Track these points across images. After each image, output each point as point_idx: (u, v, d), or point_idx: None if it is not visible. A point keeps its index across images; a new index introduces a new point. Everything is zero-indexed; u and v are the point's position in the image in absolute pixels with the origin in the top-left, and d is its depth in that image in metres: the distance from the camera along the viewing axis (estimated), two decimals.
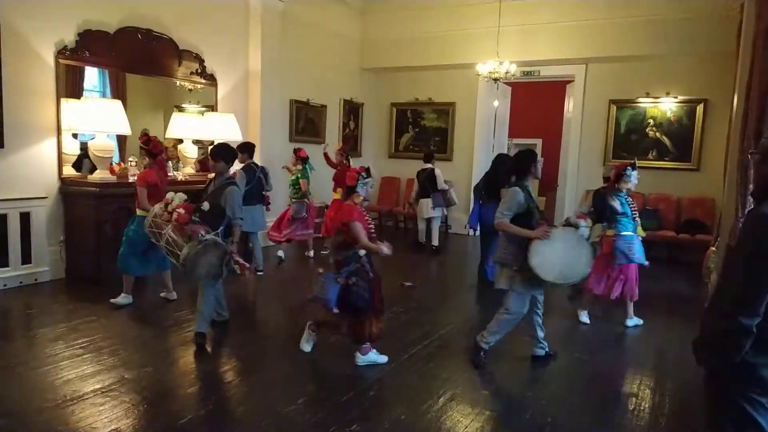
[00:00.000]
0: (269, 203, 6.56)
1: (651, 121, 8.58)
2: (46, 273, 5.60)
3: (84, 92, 6.10)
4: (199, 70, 7.12)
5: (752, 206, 1.90)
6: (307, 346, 4.00)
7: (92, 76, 6.40)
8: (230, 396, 3.35)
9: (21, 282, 5.39)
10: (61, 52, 5.59)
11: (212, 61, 7.28)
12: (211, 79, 7.32)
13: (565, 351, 4.28)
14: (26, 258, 5.45)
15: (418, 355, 4.06)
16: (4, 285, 5.25)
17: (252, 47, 7.83)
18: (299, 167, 7.05)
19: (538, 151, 14.48)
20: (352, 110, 10.15)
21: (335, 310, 3.59)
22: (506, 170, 4.18)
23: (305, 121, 9.01)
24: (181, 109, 7.22)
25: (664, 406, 3.44)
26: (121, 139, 6.44)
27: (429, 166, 8.22)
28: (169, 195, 4.18)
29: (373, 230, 3.73)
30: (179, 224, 3.94)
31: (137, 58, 6.32)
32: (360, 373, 3.70)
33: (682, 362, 4.16)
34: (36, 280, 5.51)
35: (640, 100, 8.58)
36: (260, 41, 7.76)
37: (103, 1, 5.95)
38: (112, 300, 4.88)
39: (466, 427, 3.05)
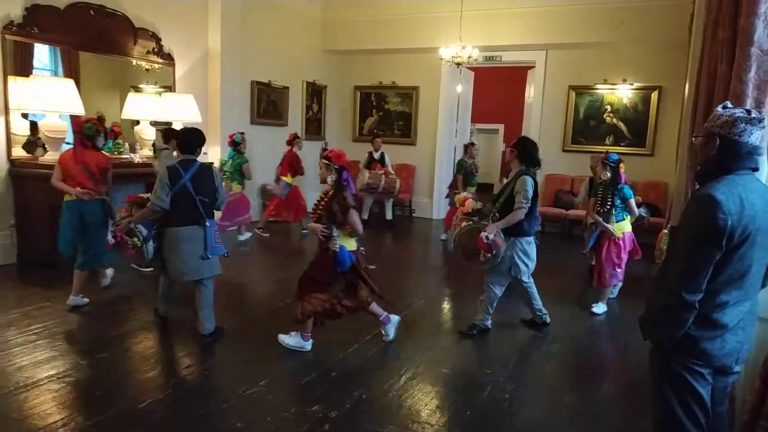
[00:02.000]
0: None
1: (608, 107, 8.79)
2: None
3: (34, 70, 5.85)
4: (156, 49, 6.91)
5: (697, 188, 1.99)
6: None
7: (43, 53, 6.11)
8: (190, 379, 3.33)
9: None
10: (7, 27, 5.34)
11: (170, 39, 7.08)
12: (169, 59, 7.12)
13: (522, 330, 4.40)
14: None
15: (379, 335, 4.10)
16: None
17: (211, 26, 7.64)
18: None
19: (500, 136, 14.70)
20: (316, 93, 10.04)
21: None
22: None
23: (267, 103, 8.87)
24: (138, 90, 7.01)
25: (616, 386, 3.59)
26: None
27: None
28: None
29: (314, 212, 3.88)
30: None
31: (90, 36, 6.09)
32: (322, 355, 3.72)
33: (634, 342, 4.34)
34: None
35: (598, 86, 8.77)
36: (220, 20, 7.58)
37: None
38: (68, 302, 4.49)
39: (427, 405, 3.12)
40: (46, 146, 5.57)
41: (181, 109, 6.89)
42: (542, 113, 9.27)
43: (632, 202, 4.88)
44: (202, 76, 7.66)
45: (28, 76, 5.53)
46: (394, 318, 4.00)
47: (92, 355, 3.55)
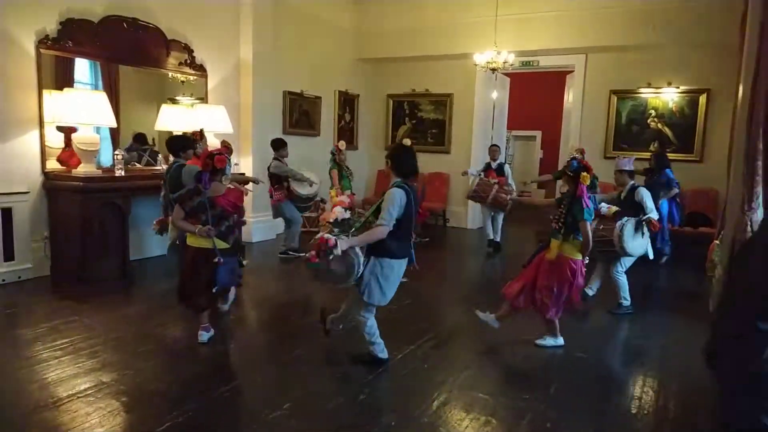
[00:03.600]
0: None
1: (652, 111, 8.39)
2: (30, 270, 5.43)
3: (75, 84, 5.94)
4: (189, 61, 6.92)
5: None
6: None
7: (83, 68, 6.21)
8: (212, 400, 3.19)
9: (3, 280, 5.21)
10: (43, 42, 5.39)
11: (202, 51, 7.08)
12: (201, 70, 7.12)
13: (564, 349, 4.12)
14: (9, 255, 5.27)
15: (411, 356, 3.90)
16: None
17: (243, 37, 7.62)
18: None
19: (537, 143, 14.33)
20: (348, 102, 9.95)
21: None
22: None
23: (299, 113, 8.81)
24: (174, 102, 7.04)
25: (669, 410, 3.28)
26: (114, 133, 6.29)
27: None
28: None
29: None
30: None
31: (123, 48, 6.12)
32: (350, 377, 3.54)
33: (687, 362, 4.01)
34: (19, 277, 5.34)
35: (642, 90, 8.38)
36: (252, 31, 7.55)
37: None
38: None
39: None
40: (80, 158, 5.58)
41: (213, 121, 6.86)
42: (582, 119, 8.93)
43: (584, 224, 3.85)
44: (235, 87, 7.65)
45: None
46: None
47: (115, 372, 3.45)
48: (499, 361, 3.92)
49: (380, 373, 3.61)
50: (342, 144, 7.24)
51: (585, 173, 3.93)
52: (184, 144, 4.81)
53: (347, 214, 3.59)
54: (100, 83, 6.42)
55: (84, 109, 5.34)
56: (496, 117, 10.24)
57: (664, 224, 6.94)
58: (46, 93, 5.46)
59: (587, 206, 3.88)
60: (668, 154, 7.66)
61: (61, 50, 5.57)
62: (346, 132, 9.96)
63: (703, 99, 7.99)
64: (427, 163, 9.51)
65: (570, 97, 9.49)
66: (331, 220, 3.50)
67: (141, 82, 6.81)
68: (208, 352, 3.94)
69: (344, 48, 9.70)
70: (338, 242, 3.21)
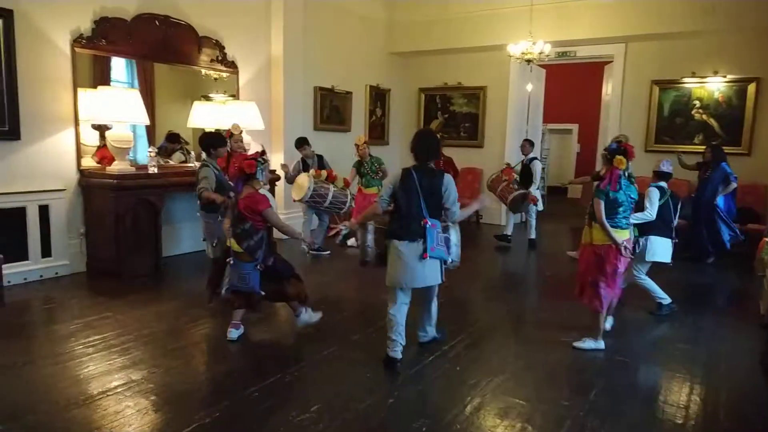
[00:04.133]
0: None
1: (697, 102, 8.02)
2: (67, 266, 5.52)
3: (111, 83, 6.04)
4: (220, 57, 6.92)
5: None
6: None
7: (119, 66, 6.32)
8: (241, 401, 3.14)
9: (41, 276, 5.32)
10: (77, 41, 5.45)
11: (233, 47, 7.07)
12: (233, 67, 7.12)
13: (604, 352, 3.93)
14: (46, 251, 5.38)
15: (443, 357, 3.78)
16: (24, 279, 5.19)
17: (274, 33, 7.59)
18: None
19: (574, 137, 13.94)
20: (379, 96, 9.84)
21: (261, 293, 3.91)
22: None
23: (330, 108, 8.75)
24: (208, 99, 7.07)
25: (719, 421, 3.08)
26: (149, 130, 6.37)
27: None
28: None
29: None
30: None
31: (155, 46, 6.16)
32: (380, 379, 3.45)
33: (737, 368, 3.78)
34: (56, 273, 5.43)
35: (686, 80, 8.02)
36: (282, 26, 7.52)
37: None
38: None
39: None
40: (114, 156, 5.64)
41: (245, 117, 6.85)
42: (621, 111, 8.61)
43: (597, 203, 3.75)
44: (265, 83, 7.63)
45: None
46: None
47: (145, 370, 3.45)
48: (535, 364, 3.76)
49: (411, 375, 3.51)
50: (358, 138, 7.12)
51: (620, 156, 3.78)
52: (213, 141, 4.78)
53: None
54: (136, 81, 6.54)
55: (117, 107, 5.39)
56: (532, 110, 9.97)
57: (725, 219, 6.61)
58: (81, 91, 5.53)
59: (603, 188, 3.78)
60: None
61: (95, 49, 5.63)
62: (377, 127, 9.86)
63: (752, 88, 7.59)
64: (459, 157, 9.37)
65: (609, 88, 9.16)
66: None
67: (176, 80, 6.87)
68: (238, 350, 3.90)
69: (375, 42, 9.59)
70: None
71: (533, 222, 7.70)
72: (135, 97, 5.56)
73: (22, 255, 5.19)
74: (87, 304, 4.76)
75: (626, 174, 3.87)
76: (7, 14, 4.88)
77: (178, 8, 6.35)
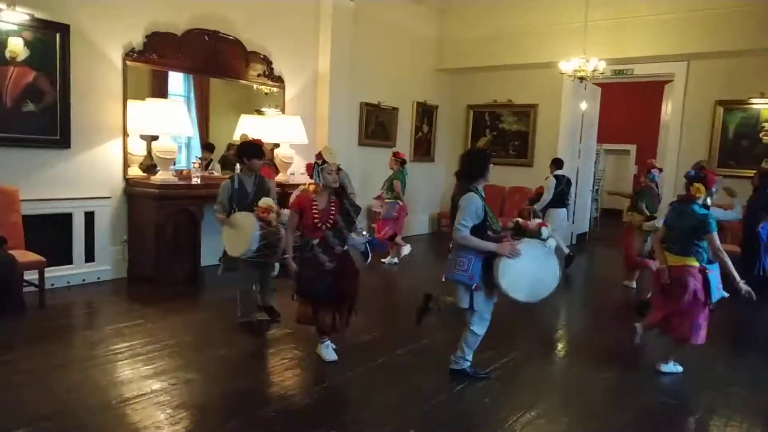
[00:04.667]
0: None
1: (766, 124, 7.48)
2: (108, 272, 5.66)
3: (169, 96, 6.25)
4: (267, 72, 7.01)
5: None
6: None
7: (177, 80, 6.54)
8: (255, 420, 3.04)
9: (84, 280, 5.47)
10: (129, 54, 5.63)
11: (280, 62, 7.16)
12: (279, 81, 7.20)
13: (647, 389, 3.61)
14: (90, 256, 5.53)
15: (472, 387, 3.57)
16: (68, 282, 5.34)
17: (322, 48, 7.64)
18: (396, 168, 7.13)
19: (632, 158, 13.35)
20: (426, 113, 9.74)
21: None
22: None
23: (375, 124, 8.71)
24: (260, 113, 7.18)
25: None
26: (203, 142, 6.63)
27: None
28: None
29: (317, 220, 3.63)
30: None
31: (204, 60, 6.29)
32: (406, 404, 3.29)
33: None
34: (98, 278, 5.57)
35: (753, 100, 7.51)
36: (330, 42, 7.56)
37: (171, 3, 5.96)
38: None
39: None
40: (158, 166, 5.76)
41: (289, 131, 6.90)
42: (682, 132, 8.15)
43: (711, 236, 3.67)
44: (311, 98, 7.67)
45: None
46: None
47: (166, 382, 3.42)
48: (570, 400, 3.50)
49: (435, 404, 3.32)
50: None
51: (698, 185, 3.66)
52: (245, 151, 4.48)
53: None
54: (193, 95, 6.74)
55: (163, 118, 5.52)
56: (585, 129, 9.62)
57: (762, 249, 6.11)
58: (130, 103, 5.70)
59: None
60: None
61: (146, 62, 5.80)
62: (423, 144, 9.75)
63: None
64: (508, 176, 9.13)
65: (668, 108, 8.72)
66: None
67: (229, 93, 7.02)
68: (262, 365, 3.84)
69: (424, 58, 9.52)
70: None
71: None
72: (180, 109, 5.68)
73: (66, 259, 5.36)
74: (122, 310, 4.83)
75: (704, 202, 3.70)
76: (64, 29, 5.10)
77: (227, 24, 6.48)
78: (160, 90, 6.27)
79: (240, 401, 3.28)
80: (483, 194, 3.48)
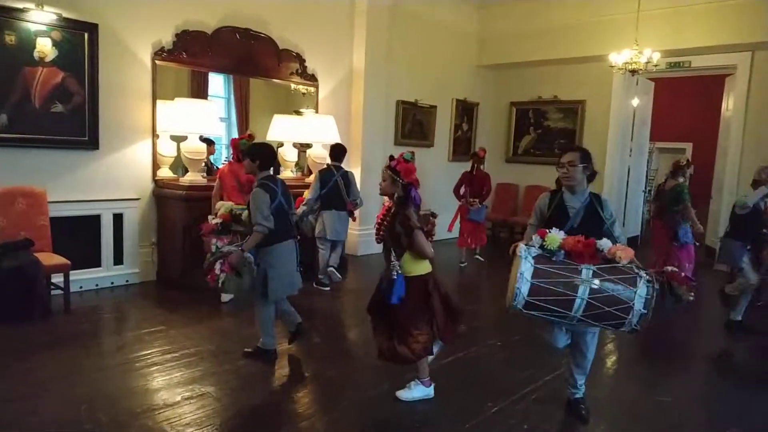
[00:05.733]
0: (352, 212, 5.80)
1: None
2: (137, 275, 5.58)
3: (209, 97, 6.21)
4: (300, 70, 6.83)
5: None
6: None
7: (217, 81, 6.50)
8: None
9: (112, 282, 5.40)
10: (158, 53, 5.54)
11: (313, 60, 6.96)
12: (312, 80, 7.00)
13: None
14: (118, 259, 5.46)
15: (509, 410, 3.23)
16: (96, 285, 5.29)
17: (356, 45, 7.41)
18: None
19: (688, 156, 12.54)
20: (466, 111, 9.36)
21: None
22: None
23: (413, 122, 8.41)
24: (299, 113, 7.02)
25: None
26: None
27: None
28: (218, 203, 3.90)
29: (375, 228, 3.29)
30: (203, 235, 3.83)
31: (235, 59, 6.15)
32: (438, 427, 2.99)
33: None
34: (127, 281, 5.50)
35: None
36: (365, 38, 7.31)
37: (202, 1, 5.83)
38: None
39: None
40: (187, 167, 5.65)
41: (322, 130, 6.69)
42: (745, 129, 7.50)
43: None
44: (345, 97, 7.45)
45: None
46: (431, 390, 3.29)
47: (179, 396, 3.23)
48: (616, 423, 3.12)
49: (468, 429, 3.01)
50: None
51: None
52: (265, 153, 3.93)
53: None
54: (232, 96, 6.65)
55: (192, 118, 5.39)
56: (637, 126, 9.03)
57: None
58: (159, 103, 5.60)
59: None
60: None
61: (176, 61, 5.69)
62: (463, 142, 9.37)
63: None
64: (553, 176, 8.62)
65: (729, 103, 8.05)
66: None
67: (269, 94, 6.90)
68: (282, 380, 3.61)
69: (464, 54, 9.14)
70: None
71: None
72: (208, 109, 5.54)
73: (95, 262, 5.30)
74: (145, 315, 4.71)
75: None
76: (92, 28, 5.03)
77: (259, 21, 6.32)
78: (199, 91, 6.19)
79: (254, 419, 3.05)
80: None
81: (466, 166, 8.62)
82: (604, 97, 8.56)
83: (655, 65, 6.81)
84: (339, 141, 6.78)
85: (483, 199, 7.10)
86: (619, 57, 6.83)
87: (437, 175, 8.49)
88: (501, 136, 9.77)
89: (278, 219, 3.52)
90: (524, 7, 8.68)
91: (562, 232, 2.75)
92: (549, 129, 9.30)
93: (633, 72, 6.95)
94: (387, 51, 7.60)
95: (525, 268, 2.65)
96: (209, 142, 6.52)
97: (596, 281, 2.60)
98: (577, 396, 3.20)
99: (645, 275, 2.62)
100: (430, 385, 3.28)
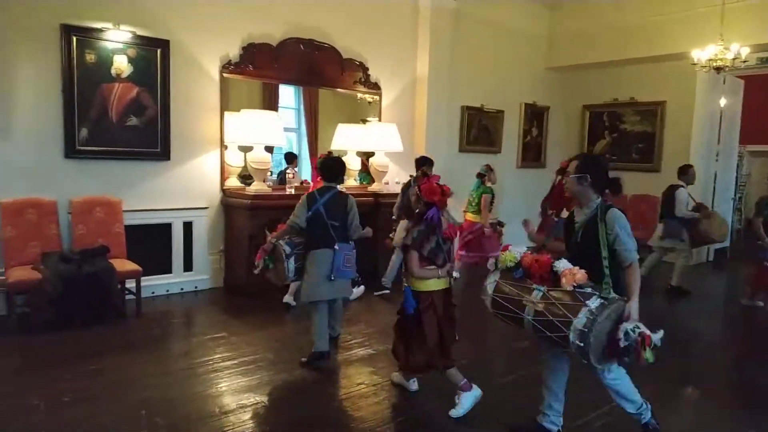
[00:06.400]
0: None
1: None
2: (205, 281, 5.77)
3: (279, 109, 6.38)
4: (363, 79, 6.84)
5: None
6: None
7: (289, 93, 6.67)
8: None
9: (182, 288, 5.61)
10: (226, 66, 5.72)
11: (376, 68, 6.96)
12: (375, 88, 7.00)
13: None
14: (188, 266, 5.66)
15: None
16: (167, 291, 5.50)
17: (420, 52, 7.34)
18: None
19: None
20: (536, 115, 9.04)
21: None
22: None
23: (478, 128, 8.22)
24: (366, 122, 7.06)
25: None
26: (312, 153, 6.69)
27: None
28: None
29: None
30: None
31: (299, 70, 6.25)
32: None
33: None
34: (196, 287, 5.69)
35: None
36: (429, 44, 7.23)
37: (267, 14, 5.98)
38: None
39: None
40: (253, 177, 5.78)
41: (384, 139, 6.66)
42: None
43: None
44: (408, 104, 7.39)
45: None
46: (476, 390, 3.21)
47: (234, 403, 3.26)
48: None
49: None
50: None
51: None
52: (343, 168, 4.20)
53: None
54: (302, 107, 6.79)
55: (256, 129, 5.51)
56: (725, 128, 8.38)
57: None
58: (227, 114, 5.77)
59: None
60: None
61: (242, 74, 5.86)
62: (533, 148, 9.06)
63: None
64: (630, 183, 8.14)
65: None
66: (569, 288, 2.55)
67: (337, 104, 6.98)
68: (337, 391, 3.57)
69: (532, 56, 8.85)
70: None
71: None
72: (273, 120, 5.64)
73: (166, 268, 5.52)
74: (209, 321, 4.84)
75: None
76: (164, 44, 5.27)
77: (322, 31, 6.40)
78: (271, 102, 6.36)
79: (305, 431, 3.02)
80: None
81: (537, 173, 8.33)
82: (686, 98, 8.00)
83: (744, 61, 6.27)
84: (401, 149, 6.73)
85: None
86: (702, 54, 6.35)
87: (505, 182, 8.22)
88: (573, 142, 9.37)
89: (314, 226, 3.82)
90: (597, 5, 8.27)
91: (523, 248, 2.80)
92: (626, 133, 8.81)
93: (718, 69, 6.44)
94: (451, 56, 7.48)
95: (489, 282, 2.79)
96: (292, 156, 6.67)
97: (541, 305, 2.56)
98: (645, 421, 2.92)
99: (594, 305, 2.45)
100: (471, 386, 3.21)
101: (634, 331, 2.41)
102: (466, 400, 3.16)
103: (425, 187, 3.16)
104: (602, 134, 9.11)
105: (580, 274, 2.52)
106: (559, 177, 6.55)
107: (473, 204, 6.41)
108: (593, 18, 8.36)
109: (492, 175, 6.49)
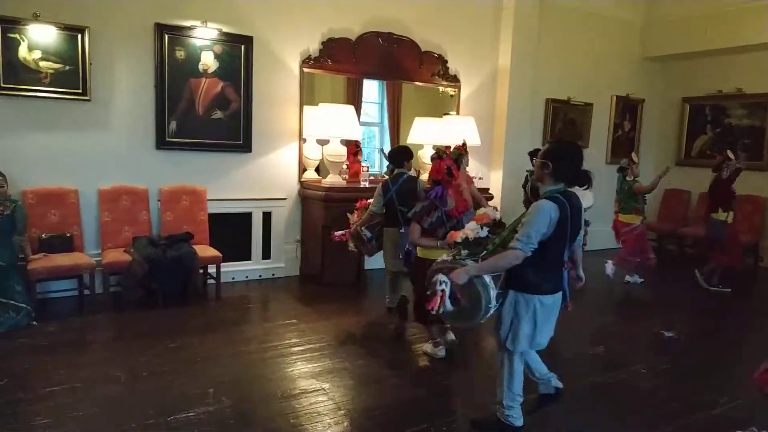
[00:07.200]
0: None
1: None
2: (282, 269, 5.96)
3: (362, 104, 6.50)
4: (441, 72, 6.75)
5: None
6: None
7: (372, 88, 6.76)
8: None
9: (260, 275, 5.83)
10: (305, 61, 5.86)
11: (455, 60, 6.84)
12: (454, 80, 6.88)
13: None
14: (266, 254, 5.88)
15: None
16: (246, 277, 5.75)
17: (502, 43, 7.12)
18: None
19: None
20: (628, 108, 8.50)
21: None
22: None
23: (564, 122, 7.86)
24: (447, 115, 7.00)
25: None
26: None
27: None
28: None
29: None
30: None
31: (377, 63, 6.28)
32: None
33: None
34: (273, 275, 5.90)
35: None
36: (511, 35, 6.99)
37: (347, 8, 6.05)
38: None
39: None
40: (329, 169, 5.88)
41: (461, 133, 6.54)
42: None
43: None
44: (489, 97, 7.20)
45: (358, 108, 6.17)
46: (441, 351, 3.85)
47: (297, 389, 3.34)
48: None
49: None
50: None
51: None
52: (409, 154, 4.66)
53: (484, 233, 2.82)
54: (385, 102, 6.85)
55: (332, 123, 5.61)
56: None
57: None
58: (306, 108, 5.92)
59: None
60: None
61: (321, 68, 5.97)
62: (624, 143, 8.52)
63: None
64: (737, 182, 7.46)
65: None
66: (459, 240, 2.82)
67: (420, 97, 6.98)
68: (402, 380, 3.55)
69: (625, 46, 8.31)
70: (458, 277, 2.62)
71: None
72: (349, 113, 5.71)
73: (246, 255, 5.77)
74: (282, 308, 5.00)
75: None
76: (248, 41, 5.49)
77: (401, 24, 6.38)
78: (354, 96, 6.45)
79: (364, 419, 3.03)
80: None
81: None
82: None
83: None
84: (478, 142, 6.58)
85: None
86: None
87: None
88: (671, 137, 8.72)
89: (387, 211, 4.40)
90: None
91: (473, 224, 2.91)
92: (731, 127, 8.07)
93: None
94: (535, 46, 7.20)
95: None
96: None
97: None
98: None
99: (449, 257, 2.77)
100: (438, 346, 3.88)
101: (440, 284, 2.63)
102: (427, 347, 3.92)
103: (433, 166, 3.57)
104: (703, 129, 8.40)
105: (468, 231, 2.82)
106: (718, 173, 6.06)
107: (625, 203, 6.14)
108: (693, 3, 7.71)
109: (635, 168, 6.15)
